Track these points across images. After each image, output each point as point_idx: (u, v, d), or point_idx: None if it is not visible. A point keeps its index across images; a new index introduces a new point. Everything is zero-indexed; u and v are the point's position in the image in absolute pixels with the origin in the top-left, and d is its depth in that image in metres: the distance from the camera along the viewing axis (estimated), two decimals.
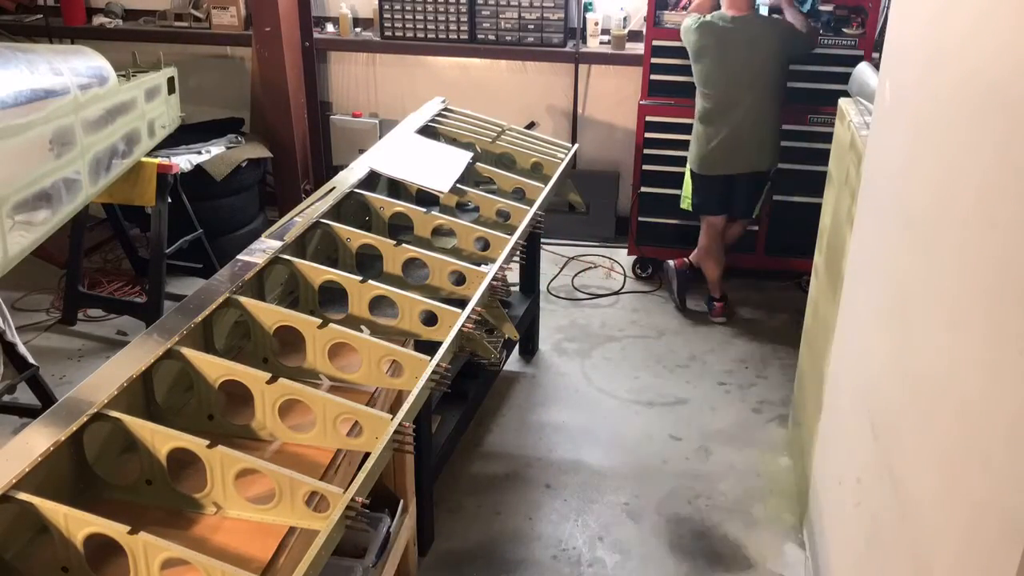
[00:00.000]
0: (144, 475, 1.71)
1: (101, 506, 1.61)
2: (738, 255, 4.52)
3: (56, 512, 1.52)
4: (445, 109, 3.80)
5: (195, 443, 1.68)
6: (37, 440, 1.61)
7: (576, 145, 3.75)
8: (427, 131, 3.56)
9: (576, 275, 4.69)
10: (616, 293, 4.52)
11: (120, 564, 1.52)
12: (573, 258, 4.86)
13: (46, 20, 5.18)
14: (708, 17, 3.93)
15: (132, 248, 4.42)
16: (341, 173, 3.05)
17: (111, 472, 1.74)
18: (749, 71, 3.87)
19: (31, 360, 3.11)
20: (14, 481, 1.52)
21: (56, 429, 1.65)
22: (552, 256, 4.80)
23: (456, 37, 4.84)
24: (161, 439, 1.70)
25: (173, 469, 1.71)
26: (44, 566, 1.55)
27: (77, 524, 1.52)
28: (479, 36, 4.83)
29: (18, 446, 1.59)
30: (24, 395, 3.21)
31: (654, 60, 4.29)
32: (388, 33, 4.91)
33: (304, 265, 2.37)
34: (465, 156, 3.28)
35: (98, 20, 5.21)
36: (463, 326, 2.19)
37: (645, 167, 4.46)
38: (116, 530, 1.50)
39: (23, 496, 1.52)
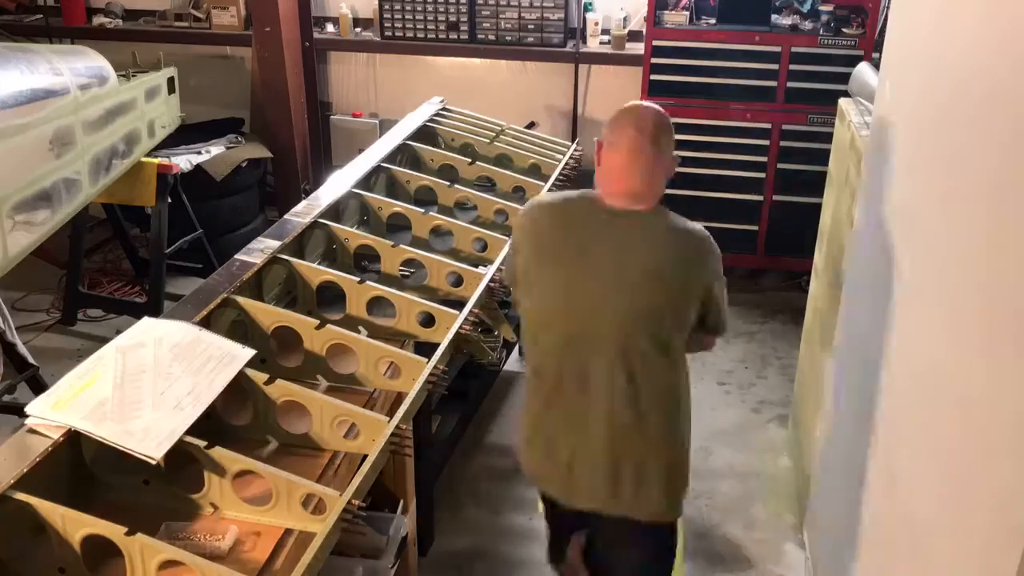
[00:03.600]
0: (142, 475, 1.70)
1: (98, 506, 1.61)
2: (738, 255, 4.51)
3: (53, 512, 1.52)
4: (443, 109, 3.79)
5: (193, 442, 1.67)
6: (35, 440, 1.61)
7: (577, 142, 3.74)
8: (425, 131, 3.56)
9: None
10: None
11: (117, 565, 1.52)
12: None
13: (46, 20, 5.18)
14: (568, 198, 2.13)
15: (132, 248, 4.42)
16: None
17: (108, 472, 1.74)
18: (622, 310, 1.91)
19: (31, 360, 3.11)
20: (12, 481, 1.52)
21: (54, 429, 1.65)
22: None
23: (456, 37, 4.83)
24: None
25: (171, 469, 1.71)
26: (41, 566, 1.55)
27: (74, 525, 1.52)
28: (479, 36, 4.82)
29: (16, 446, 1.59)
30: (24, 395, 3.21)
31: (654, 60, 4.28)
32: (388, 33, 4.91)
33: (302, 265, 2.37)
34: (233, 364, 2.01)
35: (98, 20, 5.21)
36: (460, 328, 2.19)
37: None
38: (113, 531, 1.49)
39: (21, 496, 1.52)
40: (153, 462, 1.60)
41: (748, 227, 4.43)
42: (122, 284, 4.46)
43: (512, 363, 3.88)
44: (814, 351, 2.99)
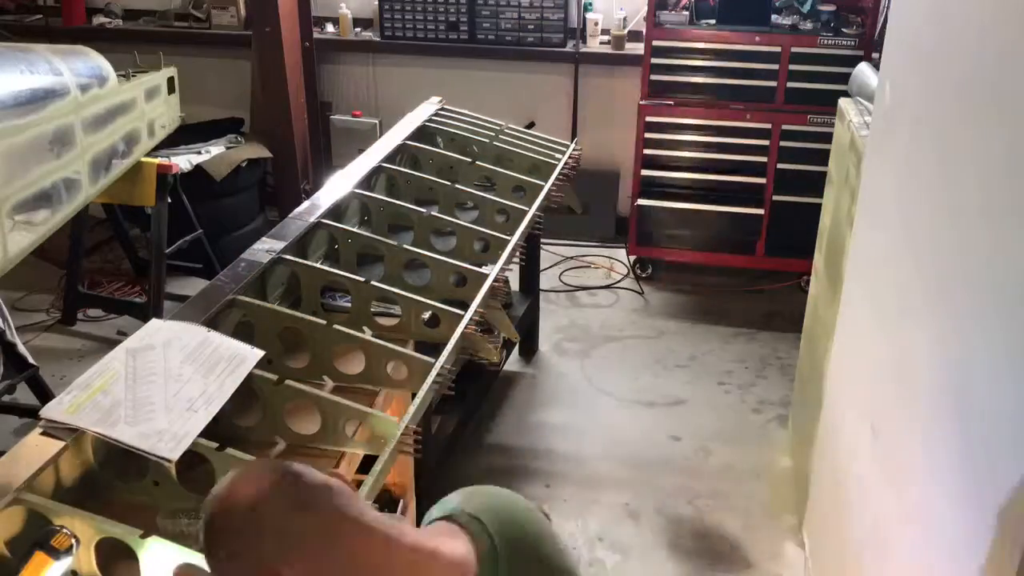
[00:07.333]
0: (152, 477, 1.71)
1: (109, 508, 1.61)
2: (738, 255, 4.52)
3: (66, 516, 1.52)
4: (442, 109, 3.79)
5: (205, 444, 1.68)
6: (48, 443, 1.61)
7: (576, 141, 3.73)
8: (425, 131, 3.56)
9: (565, 272, 4.71)
10: (607, 287, 4.53)
11: (130, 567, 1.52)
12: (572, 257, 4.87)
13: (46, 20, 5.17)
14: None
15: (132, 248, 4.42)
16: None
17: (118, 474, 1.74)
18: None
19: (31, 360, 3.10)
20: (25, 485, 1.52)
21: (66, 432, 1.65)
22: (552, 257, 4.81)
23: (456, 37, 4.84)
24: None
25: (180, 470, 1.71)
26: None
27: (88, 528, 1.51)
28: (479, 36, 4.83)
29: (29, 449, 1.59)
30: (24, 395, 3.21)
31: (654, 60, 4.29)
32: (388, 33, 4.91)
33: (307, 266, 2.37)
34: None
35: (98, 20, 5.20)
36: (466, 328, 2.20)
37: (645, 172, 4.46)
38: (127, 535, 1.49)
39: (33, 499, 1.52)
40: (169, 464, 1.60)
41: (748, 227, 4.43)
42: (122, 284, 4.46)
43: (512, 363, 3.89)
44: (814, 351, 2.99)
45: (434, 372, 1.98)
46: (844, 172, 2.78)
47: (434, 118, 3.66)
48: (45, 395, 3.14)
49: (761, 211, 4.37)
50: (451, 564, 1.07)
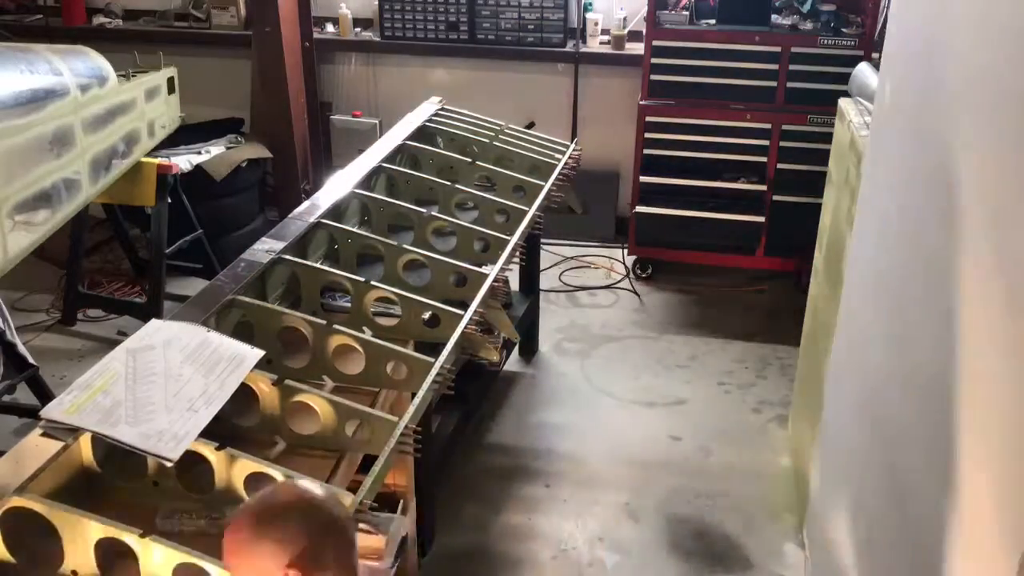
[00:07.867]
0: (151, 477, 1.71)
1: (109, 508, 1.61)
2: (738, 255, 4.52)
3: (66, 516, 1.52)
4: (442, 109, 3.80)
5: (205, 444, 1.68)
6: (48, 444, 1.61)
7: (576, 141, 3.74)
8: (425, 131, 3.57)
9: (565, 272, 4.71)
10: (607, 287, 4.53)
11: (130, 567, 1.52)
12: (572, 257, 4.87)
13: (46, 20, 5.17)
14: None
15: (132, 248, 4.42)
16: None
17: (118, 473, 1.74)
18: None
19: (31, 360, 3.11)
20: (26, 485, 1.52)
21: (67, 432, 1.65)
22: (552, 257, 4.81)
23: (456, 37, 4.84)
24: None
25: (180, 470, 1.71)
26: (54, 570, 1.55)
27: (88, 528, 1.51)
28: (479, 36, 4.83)
29: (29, 450, 1.59)
30: (24, 395, 3.21)
31: (654, 60, 4.29)
32: (388, 33, 4.92)
33: (306, 266, 2.37)
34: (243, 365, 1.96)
35: (98, 20, 5.21)
36: (466, 328, 2.20)
37: (643, 178, 4.45)
38: (127, 534, 1.49)
39: (34, 499, 1.52)
40: (170, 464, 1.61)
41: (748, 228, 4.43)
42: (122, 284, 4.46)
43: (512, 363, 3.89)
44: (814, 351, 2.99)
45: (434, 372, 1.98)
46: (844, 172, 2.78)
47: (434, 118, 3.66)
48: (45, 395, 3.14)
49: (761, 218, 4.36)
50: None
